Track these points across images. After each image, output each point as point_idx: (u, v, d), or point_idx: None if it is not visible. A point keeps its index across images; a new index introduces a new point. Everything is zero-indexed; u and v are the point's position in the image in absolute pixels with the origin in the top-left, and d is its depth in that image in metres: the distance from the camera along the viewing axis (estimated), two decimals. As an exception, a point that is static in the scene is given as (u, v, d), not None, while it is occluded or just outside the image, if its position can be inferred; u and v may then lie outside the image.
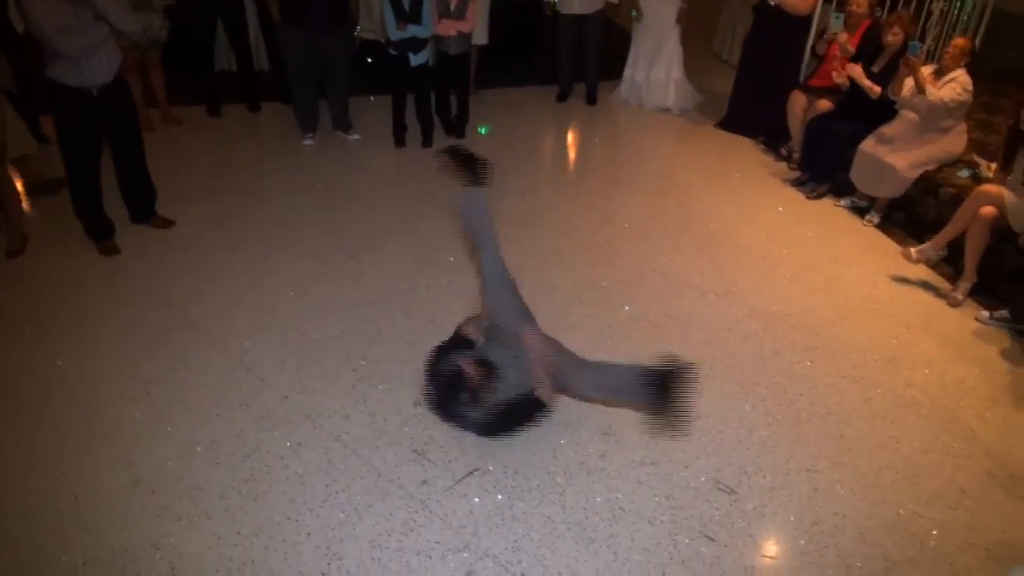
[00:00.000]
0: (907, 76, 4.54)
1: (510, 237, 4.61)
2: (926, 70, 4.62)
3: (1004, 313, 3.95)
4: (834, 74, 5.27)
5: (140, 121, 4.45)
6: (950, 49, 4.49)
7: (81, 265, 4.24)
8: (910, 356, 3.73)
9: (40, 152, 5.05)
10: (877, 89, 4.86)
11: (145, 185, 4.55)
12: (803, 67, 6.25)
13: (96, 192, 4.26)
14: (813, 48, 5.79)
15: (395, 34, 5.34)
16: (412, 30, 5.32)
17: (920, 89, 4.48)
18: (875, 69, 4.96)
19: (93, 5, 3.72)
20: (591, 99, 7.00)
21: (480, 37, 6.40)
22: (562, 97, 7.04)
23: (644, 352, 3.67)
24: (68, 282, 4.09)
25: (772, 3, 5.72)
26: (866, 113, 5.00)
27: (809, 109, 5.48)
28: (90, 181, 4.21)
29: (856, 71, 4.95)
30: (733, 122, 6.43)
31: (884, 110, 4.87)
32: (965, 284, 4.11)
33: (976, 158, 4.70)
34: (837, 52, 5.32)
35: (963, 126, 4.69)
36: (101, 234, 4.36)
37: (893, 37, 4.84)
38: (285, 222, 4.80)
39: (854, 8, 5.21)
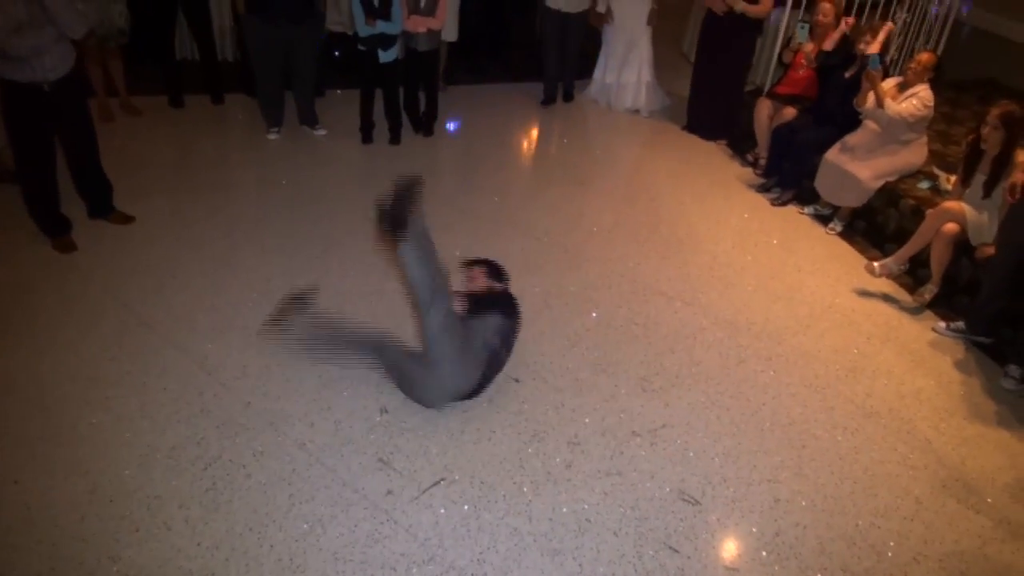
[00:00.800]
0: (869, 89, 4.62)
1: (477, 238, 4.62)
2: (891, 82, 4.71)
3: (960, 325, 4.05)
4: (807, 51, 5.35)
5: (92, 115, 4.30)
6: (914, 64, 4.57)
7: (36, 262, 4.10)
8: (870, 366, 3.81)
9: None
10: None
11: (99, 180, 4.42)
12: (770, 72, 6.33)
13: (50, 188, 4.14)
14: (780, 56, 5.85)
15: (364, 30, 5.26)
16: (382, 26, 5.25)
17: (879, 103, 4.56)
18: (847, 75, 5.01)
19: (44, 7, 3.60)
20: (568, 96, 7.00)
21: (450, 34, 6.35)
22: (548, 100, 6.93)
23: (610, 360, 3.70)
24: (22, 280, 3.95)
25: (736, 11, 5.75)
26: (836, 120, 5.05)
27: (775, 116, 5.54)
28: (42, 177, 4.08)
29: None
30: (693, 125, 6.50)
31: (854, 117, 4.94)
32: (932, 287, 4.23)
33: (936, 170, 4.81)
34: (803, 61, 5.38)
35: (924, 138, 4.79)
36: (56, 230, 4.23)
37: (865, 46, 4.88)
38: (249, 219, 4.71)
39: (820, 18, 5.27)
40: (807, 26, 5.31)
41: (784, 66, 5.72)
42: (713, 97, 6.24)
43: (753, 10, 5.74)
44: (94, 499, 2.78)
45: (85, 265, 4.11)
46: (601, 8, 6.58)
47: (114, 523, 2.71)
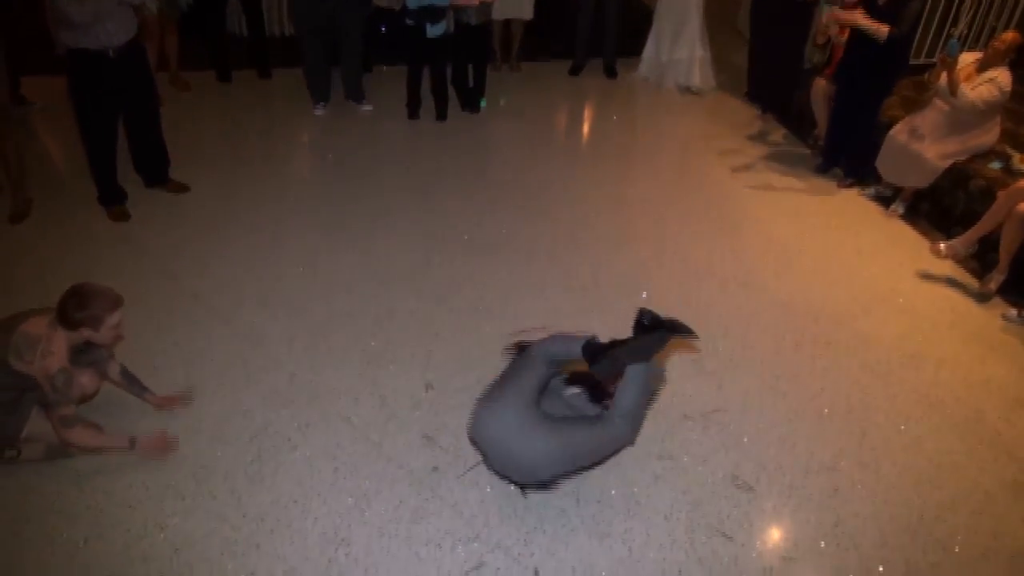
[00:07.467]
0: (943, 69, 4.35)
1: (525, 215, 4.54)
2: (968, 58, 4.44)
3: (1033, 312, 3.84)
4: (832, 34, 5.11)
5: (156, 83, 4.34)
6: (996, 43, 4.27)
7: (87, 231, 4.15)
8: (935, 353, 3.63)
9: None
10: (885, 29, 4.48)
11: (160, 149, 4.48)
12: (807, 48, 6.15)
13: (111, 157, 4.20)
14: (814, 37, 5.60)
15: (412, 2, 5.17)
16: (430, -2, 5.17)
17: (952, 91, 4.30)
18: (880, 1, 4.58)
19: None
20: (610, 71, 6.84)
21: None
22: (575, 70, 6.89)
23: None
24: (73, 249, 4.00)
25: None
26: (871, 67, 4.73)
27: (833, 96, 5.31)
28: (105, 146, 4.15)
29: (857, 17, 4.55)
30: (753, 94, 6.42)
31: (891, 58, 4.64)
32: (999, 276, 3.98)
33: (1009, 149, 4.55)
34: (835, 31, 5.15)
35: (997, 118, 4.53)
36: (112, 199, 4.29)
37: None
38: (294, 194, 4.70)
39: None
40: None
41: (828, 49, 5.47)
42: (769, 69, 6.06)
43: None
44: (141, 467, 2.79)
45: (135, 236, 4.14)
46: None
47: (160, 491, 2.71)
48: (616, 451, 2.83)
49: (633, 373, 2.66)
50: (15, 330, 2.54)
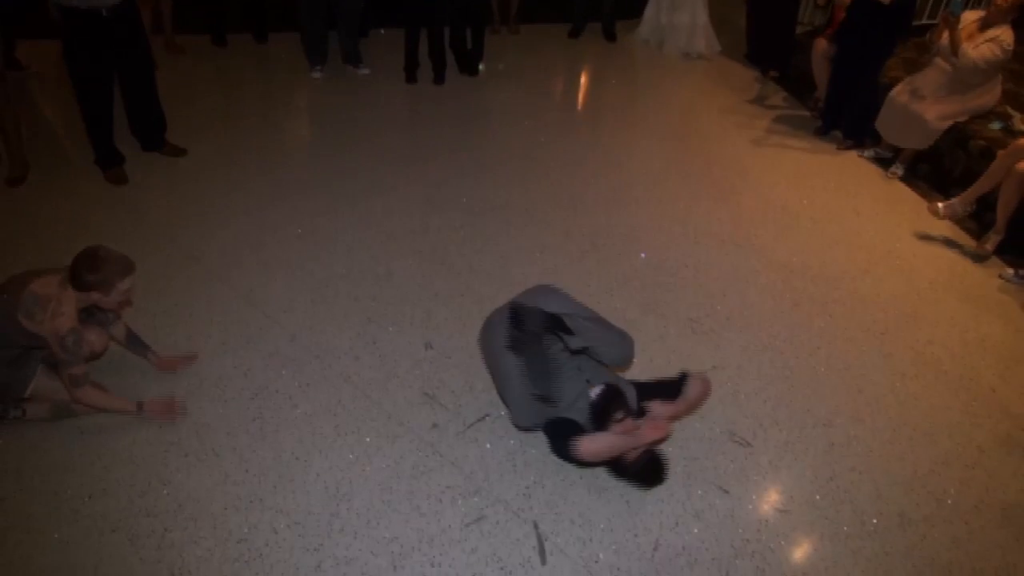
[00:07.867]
0: (945, 28, 4.31)
1: (523, 177, 4.53)
2: (971, 16, 4.40)
3: (1029, 272, 3.85)
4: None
5: (150, 44, 4.30)
6: (999, 1, 4.24)
7: (85, 195, 4.13)
8: (932, 312, 3.65)
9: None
10: None
11: (155, 111, 4.45)
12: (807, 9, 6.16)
13: (107, 119, 4.18)
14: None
15: (409, -38, 5.12)
16: (427, -42, 5.10)
17: (953, 50, 4.27)
18: None
19: None
20: (609, 35, 6.77)
21: None
22: (575, 33, 6.84)
23: (659, 301, 3.60)
24: (71, 213, 3.98)
25: None
26: (872, 28, 4.73)
27: (834, 56, 5.27)
28: (101, 108, 4.12)
29: None
30: (754, 55, 6.46)
31: (893, 18, 4.63)
32: (995, 236, 4.00)
33: (1009, 110, 4.53)
34: None
35: (998, 78, 4.50)
36: (109, 162, 4.27)
37: None
38: (292, 157, 4.68)
39: None
40: None
41: (829, 9, 5.48)
42: (766, 31, 6.09)
43: None
44: (144, 425, 2.81)
45: (132, 200, 4.13)
46: None
47: (164, 448, 2.73)
48: (506, 399, 2.77)
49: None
50: (24, 289, 2.54)
